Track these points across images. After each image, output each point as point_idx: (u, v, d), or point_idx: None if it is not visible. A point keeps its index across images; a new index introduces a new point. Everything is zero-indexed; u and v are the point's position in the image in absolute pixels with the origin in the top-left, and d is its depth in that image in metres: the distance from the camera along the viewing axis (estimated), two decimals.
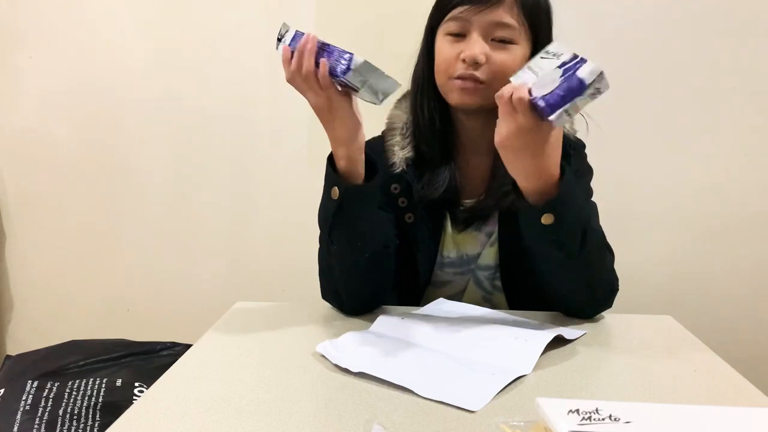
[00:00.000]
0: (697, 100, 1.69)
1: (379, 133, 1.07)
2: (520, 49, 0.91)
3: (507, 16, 0.89)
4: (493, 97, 0.82)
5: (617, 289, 0.94)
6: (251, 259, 1.93)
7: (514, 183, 0.83)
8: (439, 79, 0.95)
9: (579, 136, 1.05)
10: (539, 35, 0.93)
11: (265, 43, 1.83)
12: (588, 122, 1.02)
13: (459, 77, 0.91)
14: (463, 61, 0.90)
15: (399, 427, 0.59)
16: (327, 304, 1.01)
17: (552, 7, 0.96)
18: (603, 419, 0.50)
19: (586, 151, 1.07)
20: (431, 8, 0.98)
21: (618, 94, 1.68)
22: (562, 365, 0.77)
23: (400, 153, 1.00)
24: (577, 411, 0.51)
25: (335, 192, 0.86)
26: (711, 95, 1.69)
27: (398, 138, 1.01)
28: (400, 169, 0.99)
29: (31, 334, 2.03)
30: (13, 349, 1.98)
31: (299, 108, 1.85)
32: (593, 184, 1.06)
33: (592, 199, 1.05)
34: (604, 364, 0.79)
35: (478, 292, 1.07)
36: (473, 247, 1.04)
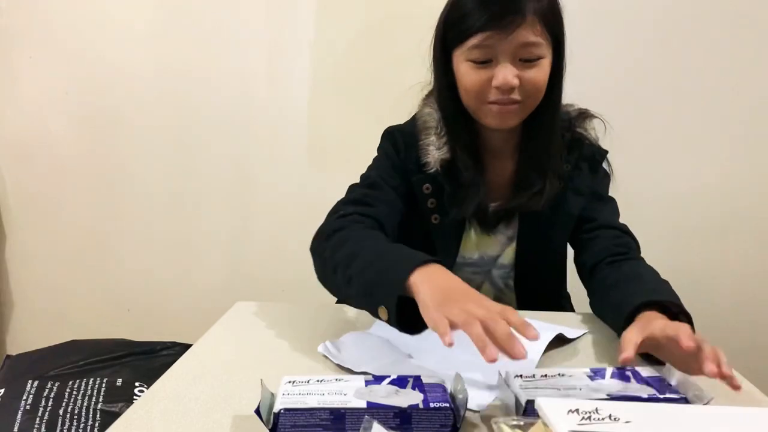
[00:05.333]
0: (694, 102, 1.69)
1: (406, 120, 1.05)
2: (547, 61, 0.90)
3: (531, 34, 0.86)
4: (530, 111, 0.90)
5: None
6: (251, 259, 1.93)
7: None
8: (471, 103, 0.93)
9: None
10: (560, 40, 0.92)
11: (265, 43, 1.84)
12: (606, 126, 1.04)
13: (495, 102, 0.90)
14: (497, 88, 0.88)
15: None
16: (327, 304, 1.01)
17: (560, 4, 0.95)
18: (603, 419, 0.50)
19: None
20: (439, 24, 0.94)
21: (616, 95, 1.70)
22: (563, 365, 0.77)
23: (436, 153, 0.97)
24: (577, 411, 0.51)
25: (383, 313, 0.71)
26: (709, 96, 1.69)
27: (433, 138, 0.98)
28: (434, 169, 0.97)
29: (31, 334, 2.03)
30: (13, 349, 1.98)
31: (299, 108, 1.87)
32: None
33: (610, 194, 1.07)
34: (604, 364, 0.79)
35: (491, 290, 1.08)
36: (494, 248, 1.05)
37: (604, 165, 1.06)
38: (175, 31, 1.86)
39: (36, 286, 2.05)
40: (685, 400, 0.60)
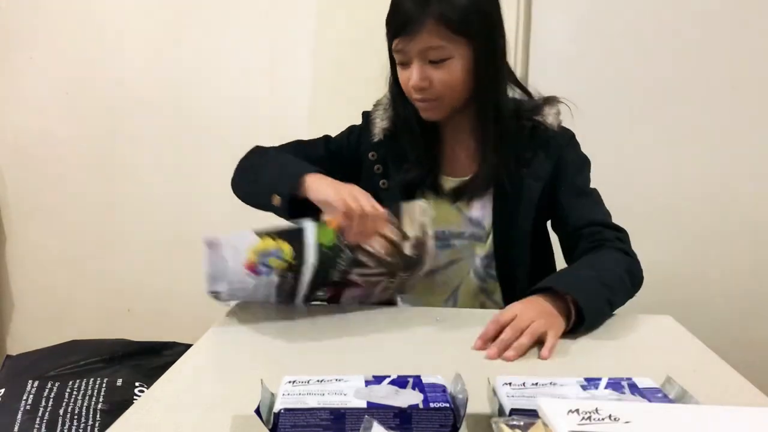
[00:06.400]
0: (695, 102, 1.69)
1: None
2: (457, 60, 0.97)
3: (433, 39, 0.94)
4: (453, 104, 1.00)
5: (642, 277, 0.99)
6: None
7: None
8: (409, 98, 1.03)
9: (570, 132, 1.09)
10: (477, 38, 0.97)
11: (265, 43, 1.84)
12: (573, 113, 1.07)
13: (417, 99, 1.00)
14: (412, 88, 0.98)
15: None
16: (327, 304, 1.01)
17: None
18: (603, 419, 0.50)
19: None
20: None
21: (616, 95, 1.70)
22: (562, 365, 0.78)
23: (380, 124, 1.09)
24: (577, 411, 0.50)
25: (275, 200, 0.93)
26: (710, 97, 1.69)
27: (381, 111, 1.11)
28: (378, 138, 1.09)
29: (31, 334, 2.03)
30: (14, 349, 1.98)
31: (299, 108, 1.87)
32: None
33: (591, 186, 1.08)
34: (604, 364, 0.79)
35: (474, 280, 1.09)
36: (454, 224, 1.08)
37: (579, 150, 1.09)
38: (176, 31, 1.86)
39: (36, 287, 2.05)
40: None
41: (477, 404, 0.62)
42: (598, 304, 0.87)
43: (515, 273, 1.07)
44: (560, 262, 1.15)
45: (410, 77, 0.97)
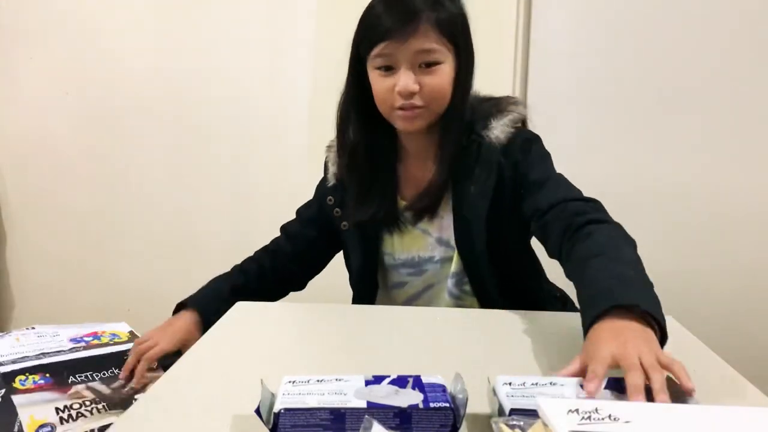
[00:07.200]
0: (695, 101, 1.69)
1: None
2: (447, 66, 0.95)
3: (427, 41, 0.92)
4: (435, 113, 0.97)
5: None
6: None
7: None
8: (383, 109, 1.00)
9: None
10: (459, 44, 0.97)
11: (265, 43, 1.84)
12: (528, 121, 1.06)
13: (400, 108, 0.96)
14: (399, 93, 0.94)
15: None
16: (327, 304, 1.01)
17: (466, 9, 0.99)
18: (602, 419, 0.50)
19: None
20: (354, 36, 1.00)
21: (615, 94, 1.70)
22: (562, 365, 0.77)
23: (332, 168, 1.10)
24: (577, 411, 0.50)
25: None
26: (710, 96, 1.69)
27: (331, 154, 1.11)
28: (331, 183, 1.09)
29: None
30: None
31: (299, 108, 1.87)
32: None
33: (556, 171, 1.02)
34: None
35: (449, 299, 1.08)
36: (423, 249, 1.07)
37: (535, 149, 1.02)
38: (176, 31, 1.86)
39: (36, 287, 2.05)
40: None
41: (477, 404, 0.62)
42: (658, 309, 0.72)
43: (486, 287, 1.05)
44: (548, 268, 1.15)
45: (396, 83, 0.94)
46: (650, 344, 0.64)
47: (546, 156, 1.05)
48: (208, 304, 1.06)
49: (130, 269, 2.00)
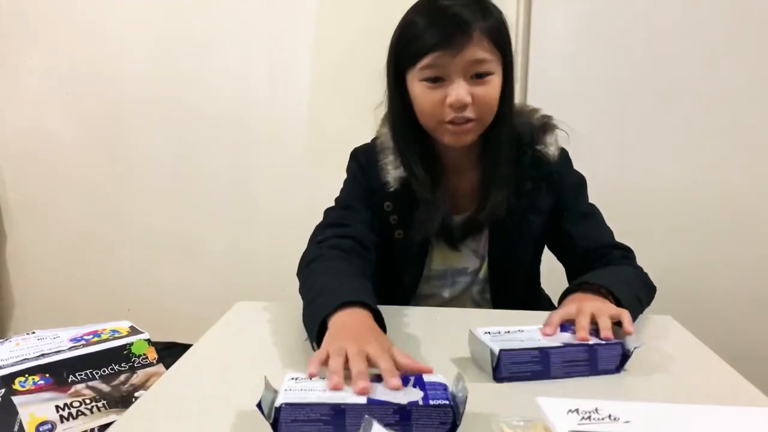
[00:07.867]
0: (696, 101, 1.69)
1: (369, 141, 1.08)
2: (497, 76, 0.93)
3: (480, 51, 0.89)
4: (484, 127, 0.94)
5: (655, 287, 0.99)
6: (251, 259, 1.92)
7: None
8: (428, 123, 0.96)
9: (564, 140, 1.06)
10: (507, 55, 0.94)
11: (265, 43, 1.84)
12: (570, 133, 1.04)
13: (451, 122, 0.92)
14: (451, 106, 0.90)
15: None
16: None
17: (505, 17, 0.96)
18: (602, 419, 0.50)
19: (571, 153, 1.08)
20: (392, 47, 0.96)
21: (615, 95, 1.70)
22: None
23: (393, 173, 1.01)
24: (577, 411, 0.51)
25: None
26: (711, 96, 1.69)
27: (391, 157, 1.02)
28: (394, 188, 1.00)
29: None
30: None
31: (299, 108, 1.87)
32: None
33: (590, 202, 1.07)
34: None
35: (471, 304, 1.10)
36: (460, 261, 1.07)
37: (574, 171, 1.06)
38: (176, 31, 1.86)
39: (36, 287, 2.05)
40: (620, 345, 0.74)
41: (477, 403, 0.61)
42: (630, 299, 0.86)
43: (508, 298, 1.06)
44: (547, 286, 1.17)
45: (447, 95, 0.90)
46: (604, 303, 0.81)
47: (583, 181, 1.08)
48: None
49: (130, 269, 2.00)
